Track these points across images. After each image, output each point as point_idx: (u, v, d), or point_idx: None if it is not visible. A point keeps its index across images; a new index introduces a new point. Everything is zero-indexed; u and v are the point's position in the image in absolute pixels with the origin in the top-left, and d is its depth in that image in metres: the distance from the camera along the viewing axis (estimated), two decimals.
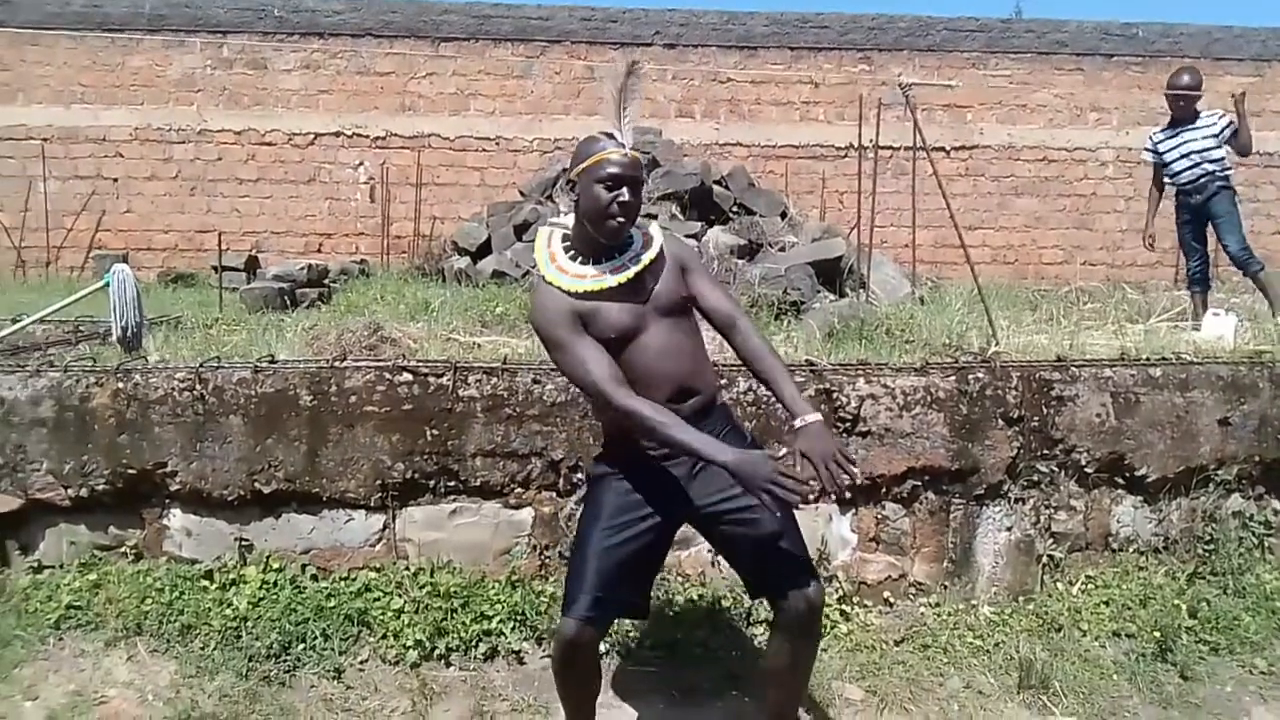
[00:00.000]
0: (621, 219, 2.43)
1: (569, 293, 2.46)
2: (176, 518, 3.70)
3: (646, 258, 2.52)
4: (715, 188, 9.17)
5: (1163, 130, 6.05)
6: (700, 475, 2.51)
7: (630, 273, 2.49)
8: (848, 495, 2.14)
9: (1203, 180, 5.79)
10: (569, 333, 2.44)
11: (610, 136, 2.47)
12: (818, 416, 2.43)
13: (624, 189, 2.42)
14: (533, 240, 8.60)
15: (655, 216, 7.60)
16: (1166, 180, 6.07)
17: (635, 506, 2.51)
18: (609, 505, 2.52)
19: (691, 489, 2.53)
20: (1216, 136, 5.79)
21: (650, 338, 2.48)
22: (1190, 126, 5.85)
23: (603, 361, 2.41)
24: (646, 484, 2.53)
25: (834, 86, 13.93)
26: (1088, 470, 4.00)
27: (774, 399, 3.74)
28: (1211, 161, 5.79)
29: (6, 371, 3.73)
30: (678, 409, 2.43)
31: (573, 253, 2.53)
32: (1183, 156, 5.87)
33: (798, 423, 2.41)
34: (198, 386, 3.63)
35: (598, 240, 2.49)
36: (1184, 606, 3.76)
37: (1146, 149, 6.14)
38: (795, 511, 2.55)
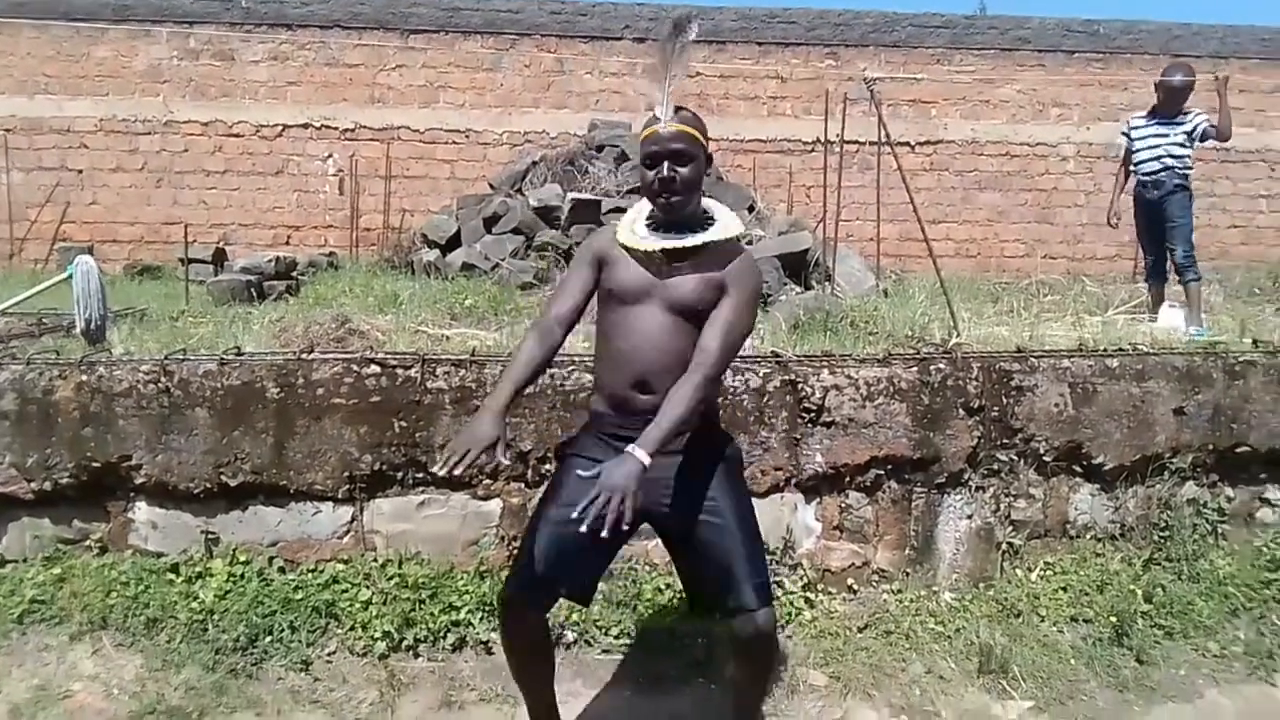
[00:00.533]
0: (665, 194, 2.44)
1: (620, 241, 2.54)
2: (142, 511, 3.68)
3: (690, 241, 2.48)
4: None
5: (1142, 116, 6.05)
6: (661, 473, 2.39)
7: (667, 244, 2.47)
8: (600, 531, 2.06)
9: (1161, 175, 5.83)
10: (582, 264, 2.60)
11: (655, 116, 2.48)
12: (641, 454, 2.21)
13: (664, 163, 2.42)
14: (503, 233, 8.58)
15: (624, 210, 7.61)
16: (1131, 168, 6.10)
17: (585, 492, 2.43)
18: (566, 485, 2.49)
19: (651, 487, 2.36)
20: (1189, 135, 5.80)
21: (640, 319, 2.46)
22: (1168, 120, 5.85)
23: (570, 295, 2.57)
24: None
25: (801, 81, 13.99)
26: (1046, 459, 4.08)
27: (741, 391, 3.81)
28: (1174, 158, 5.81)
29: None
30: (638, 400, 2.44)
31: (650, 222, 2.56)
32: (1149, 148, 5.89)
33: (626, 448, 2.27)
34: (163, 379, 3.62)
35: (665, 219, 2.50)
36: (1140, 592, 3.85)
37: (1123, 132, 6.14)
38: (754, 515, 2.55)
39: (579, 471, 2.32)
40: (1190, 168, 5.92)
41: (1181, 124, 5.82)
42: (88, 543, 3.68)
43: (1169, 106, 5.87)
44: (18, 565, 3.63)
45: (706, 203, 2.61)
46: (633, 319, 2.47)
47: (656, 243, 2.49)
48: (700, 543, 2.47)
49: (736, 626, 2.45)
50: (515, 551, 3.69)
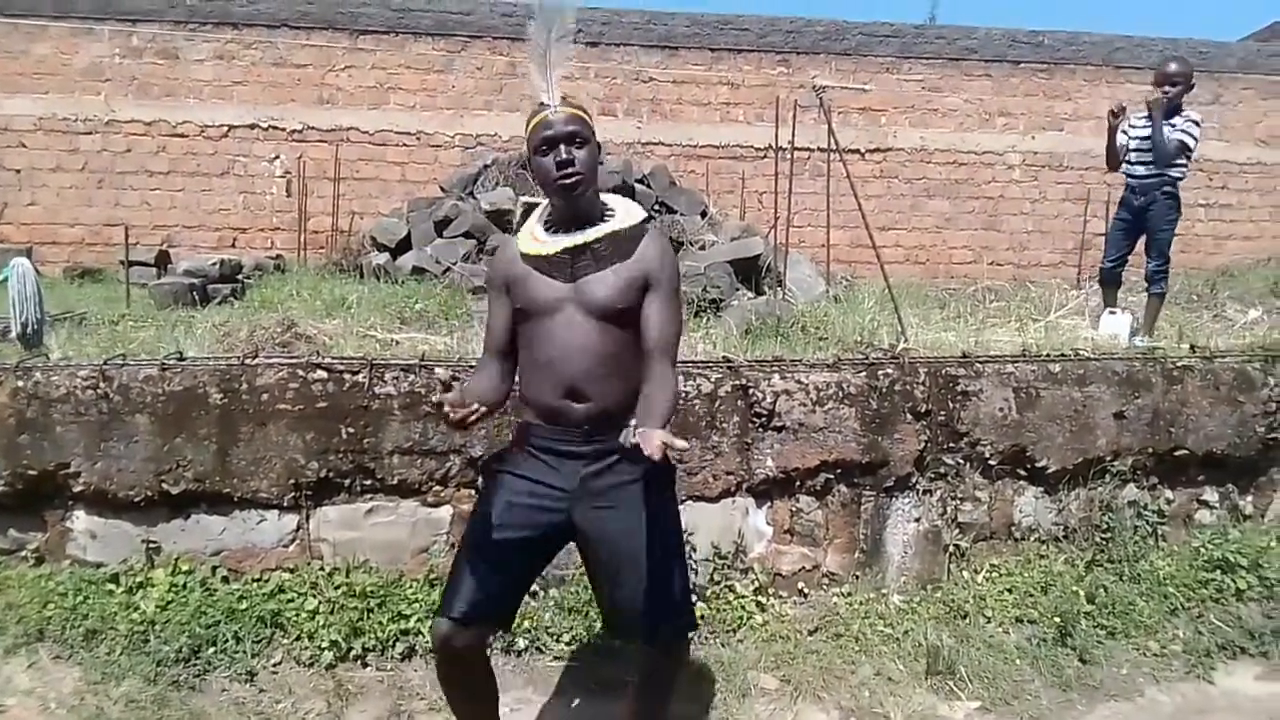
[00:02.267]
0: (567, 178, 2.33)
1: (522, 252, 2.44)
2: (80, 520, 3.59)
3: (593, 234, 2.38)
4: (637, 186, 9.22)
5: (1142, 116, 5.72)
6: (588, 489, 2.38)
7: (566, 243, 2.37)
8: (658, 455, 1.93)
9: (1150, 181, 5.60)
10: (495, 293, 2.52)
11: (541, 103, 2.39)
12: (663, 434, 2.02)
13: (560, 146, 2.33)
14: (454, 237, 8.50)
15: None
16: (1124, 170, 5.80)
17: (519, 508, 2.40)
18: (496, 504, 2.42)
19: (575, 503, 2.38)
20: (1185, 136, 5.51)
21: (559, 326, 2.35)
22: (1166, 122, 5.54)
23: (496, 329, 2.50)
24: (534, 486, 2.41)
25: (753, 88, 14.10)
26: (991, 462, 4.15)
27: (693, 396, 3.82)
28: (1165, 164, 5.56)
29: None
30: (570, 409, 2.36)
31: (549, 223, 2.46)
32: (1142, 149, 5.63)
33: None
34: (102, 385, 3.53)
35: (566, 210, 2.40)
36: (1083, 593, 3.93)
37: (1123, 130, 5.76)
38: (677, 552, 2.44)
39: (621, 439, 2.08)
40: (1181, 176, 5.66)
41: (1177, 125, 5.52)
42: (24, 553, 3.58)
43: (1167, 101, 5.54)
44: None
45: (604, 196, 2.52)
46: (552, 329, 2.36)
47: (558, 242, 2.39)
48: (617, 567, 2.36)
49: (639, 655, 2.42)
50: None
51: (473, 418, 2.15)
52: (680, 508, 3.73)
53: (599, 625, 3.58)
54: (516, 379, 2.52)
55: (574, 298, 2.36)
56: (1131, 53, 14.84)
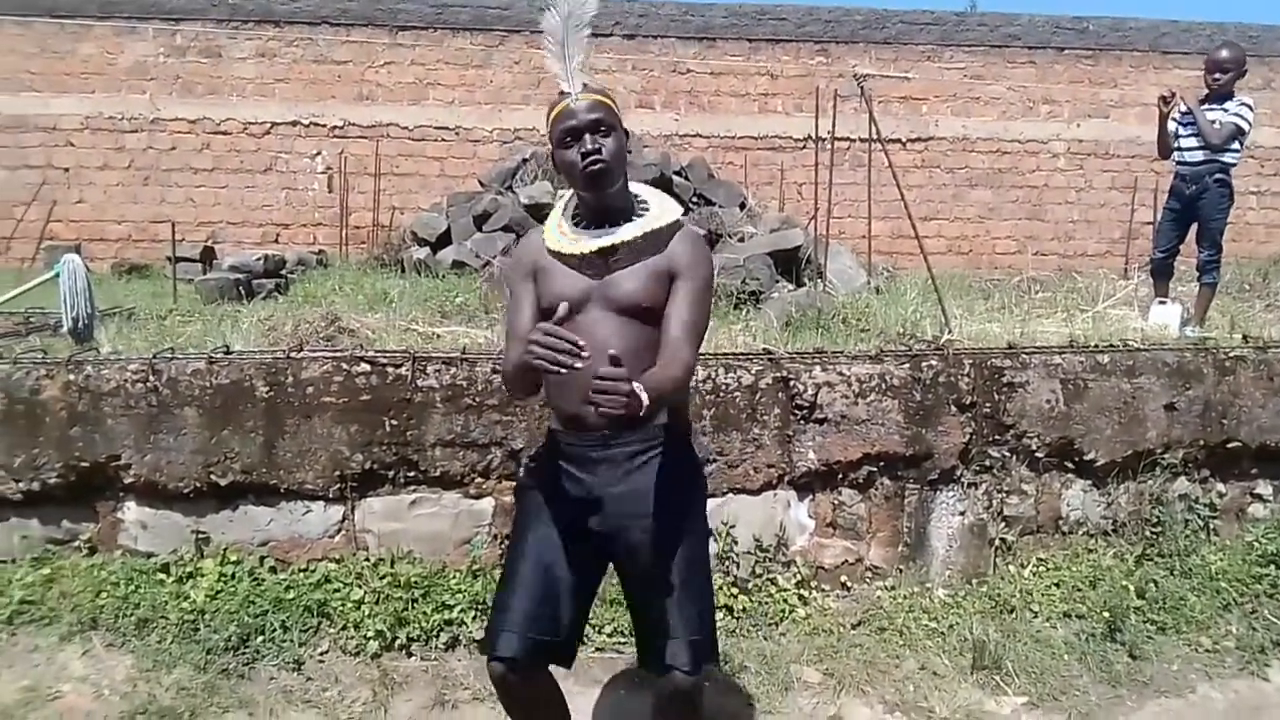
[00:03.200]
0: (592, 167, 2.20)
1: (548, 248, 2.31)
2: (131, 511, 3.65)
3: (624, 235, 2.24)
4: (675, 179, 9.18)
5: (1201, 103, 5.57)
6: (614, 502, 2.25)
7: (597, 244, 2.24)
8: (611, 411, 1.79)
9: (1201, 169, 5.46)
10: (518, 283, 2.38)
11: (563, 94, 2.26)
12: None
13: (584, 136, 2.20)
14: (493, 231, 8.54)
15: None
16: (1174, 157, 5.66)
17: (549, 524, 2.28)
18: (528, 524, 2.33)
19: (604, 520, 2.26)
20: (1239, 120, 5.37)
21: (583, 325, 2.16)
22: (1219, 107, 5.43)
23: (522, 317, 2.32)
24: (562, 499, 2.29)
25: (792, 78, 14.00)
26: (1038, 455, 4.09)
27: (734, 388, 3.81)
28: (1216, 151, 5.42)
29: None
30: (586, 414, 2.16)
31: (577, 217, 2.34)
32: (1194, 135, 5.47)
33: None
34: (151, 378, 3.59)
35: (595, 204, 2.28)
36: (1132, 587, 3.86)
37: (1173, 118, 5.61)
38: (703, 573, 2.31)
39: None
40: (1233, 164, 5.49)
41: (1229, 111, 5.38)
42: (76, 543, 3.65)
43: (1220, 87, 5.45)
44: (6, 566, 3.59)
45: (636, 187, 2.39)
46: (578, 326, 2.13)
47: (588, 242, 2.25)
48: (644, 584, 2.25)
49: (660, 681, 2.23)
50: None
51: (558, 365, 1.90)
52: (721, 500, 3.77)
53: None
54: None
55: (599, 294, 2.24)
56: (1178, 38, 14.53)
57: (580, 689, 3.31)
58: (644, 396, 1.83)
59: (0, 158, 13.14)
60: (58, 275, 4.27)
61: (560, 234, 2.31)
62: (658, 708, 2.32)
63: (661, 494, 2.26)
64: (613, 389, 1.80)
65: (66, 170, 13.43)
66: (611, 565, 2.39)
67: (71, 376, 3.59)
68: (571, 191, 2.39)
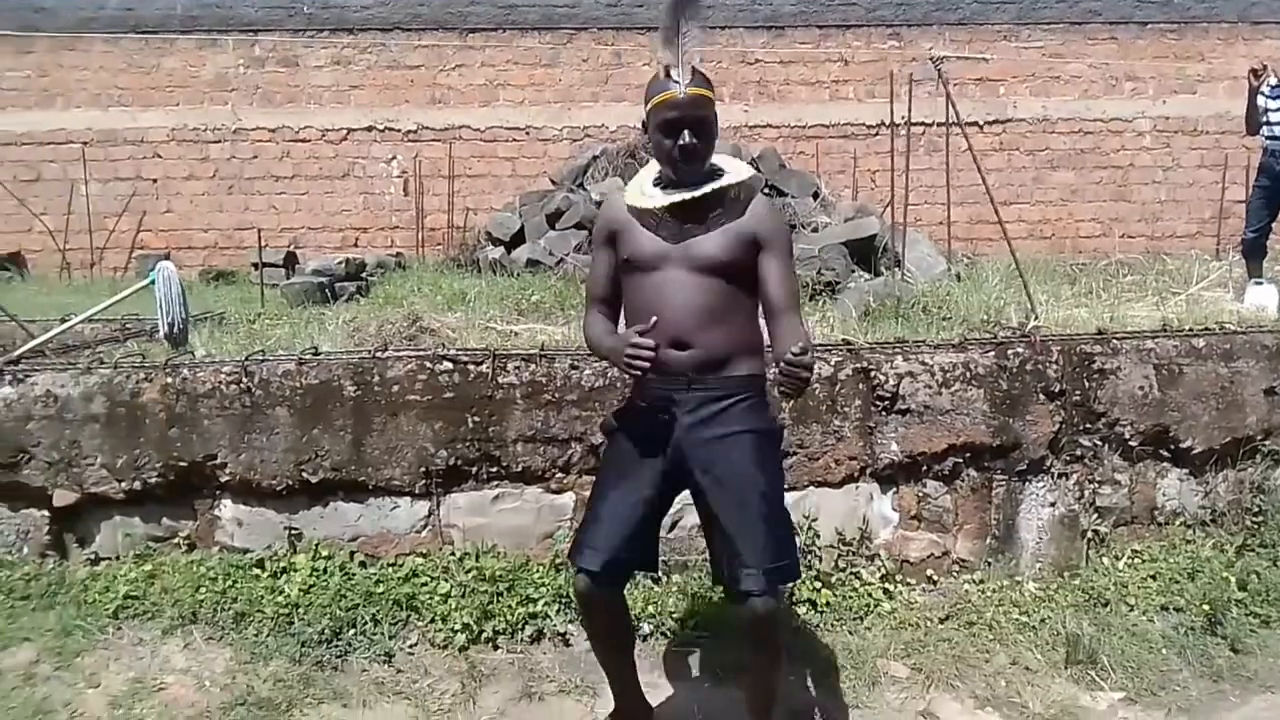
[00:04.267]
0: (684, 162, 2.39)
1: (629, 205, 2.51)
2: (227, 508, 3.77)
3: (700, 191, 2.40)
4: None
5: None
6: (695, 436, 2.43)
7: (675, 198, 2.40)
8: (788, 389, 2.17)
9: None
10: (599, 245, 2.62)
11: (669, 75, 2.38)
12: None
13: (684, 131, 2.36)
14: (566, 228, 8.62)
15: None
16: (1263, 133, 5.53)
17: (635, 459, 2.49)
18: (614, 458, 2.57)
19: (686, 451, 2.44)
20: None
21: (665, 281, 2.41)
22: None
23: (600, 280, 2.61)
24: (646, 436, 2.48)
25: (863, 64, 13.79)
26: (1131, 443, 3.96)
27: (812, 380, 3.76)
28: None
29: (59, 369, 3.82)
30: (675, 358, 2.39)
31: (658, 181, 2.51)
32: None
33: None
34: (244, 379, 3.70)
35: (678, 177, 2.45)
36: (1233, 579, 3.72)
37: (1261, 91, 5.52)
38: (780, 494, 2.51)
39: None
40: None
41: None
42: (176, 540, 3.78)
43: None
44: (111, 563, 3.74)
45: (713, 159, 2.53)
46: (658, 282, 2.41)
47: (669, 196, 2.42)
48: (723, 512, 2.41)
49: (738, 608, 2.41)
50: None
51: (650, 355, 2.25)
52: (801, 493, 3.74)
53: (722, 610, 3.58)
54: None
55: (679, 254, 2.42)
56: (1270, 7, 13.92)
57: (664, 681, 3.32)
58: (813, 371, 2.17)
59: (92, 171, 13.66)
60: (152, 282, 4.41)
61: (642, 193, 2.50)
62: (744, 637, 2.48)
63: (753, 436, 2.45)
64: (803, 374, 2.12)
65: (155, 181, 13.90)
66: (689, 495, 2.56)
67: (169, 380, 3.72)
68: (654, 161, 2.57)
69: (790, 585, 2.61)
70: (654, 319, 2.30)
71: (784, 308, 2.42)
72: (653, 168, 2.57)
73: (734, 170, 2.50)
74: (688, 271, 2.40)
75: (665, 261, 2.42)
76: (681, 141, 2.35)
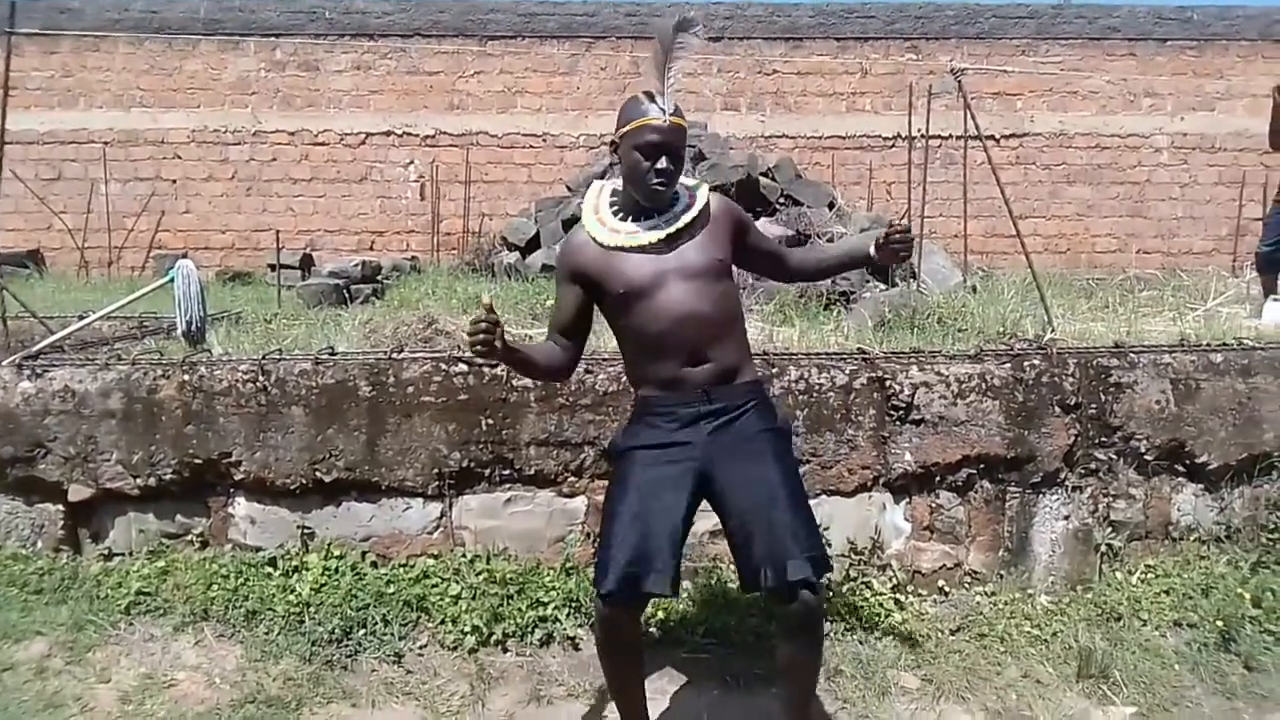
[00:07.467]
0: (660, 186, 2.44)
1: (600, 243, 2.51)
2: (241, 506, 3.79)
3: (686, 218, 2.49)
4: (762, 179, 9.14)
5: None
6: (716, 443, 2.46)
7: (663, 232, 2.47)
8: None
9: None
10: (564, 281, 2.61)
11: (652, 100, 2.45)
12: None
13: (663, 157, 2.42)
14: None
15: None
16: None
17: (656, 480, 2.46)
18: (630, 480, 2.50)
19: (707, 459, 2.45)
20: None
21: (668, 297, 2.43)
22: None
23: (565, 314, 2.61)
24: (666, 456, 2.48)
25: (881, 76, 13.81)
26: (1147, 458, 3.94)
27: (827, 388, 3.76)
28: None
29: (77, 365, 3.85)
30: (691, 374, 2.46)
31: (617, 209, 2.55)
32: None
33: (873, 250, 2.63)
34: (260, 378, 3.72)
35: (639, 204, 2.51)
36: (1248, 596, 3.68)
37: None
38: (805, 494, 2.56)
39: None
40: None
41: None
42: (189, 537, 3.80)
43: None
44: (124, 558, 3.76)
45: None
46: (661, 301, 2.43)
47: (656, 233, 2.48)
48: (758, 510, 2.40)
49: (785, 602, 2.39)
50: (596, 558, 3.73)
51: (493, 334, 2.33)
52: (814, 502, 3.72)
53: (733, 618, 3.57)
54: (627, 363, 2.67)
55: (674, 267, 2.46)
56: None
57: (673, 689, 3.31)
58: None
59: (113, 171, 13.79)
60: (171, 280, 4.45)
61: (612, 231, 2.52)
62: (789, 633, 2.47)
63: (763, 433, 2.51)
64: (909, 235, 2.58)
65: (174, 182, 14.02)
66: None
67: (186, 377, 3.74)
68: (602, 185, 2.66)
69: (828, 578, 2.61)
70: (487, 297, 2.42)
71: (782, 249, 2.83)
72: (602, 197, 2.61)
73: (689, 182, 2.61)
74: (688, 281, 2.45)
75: (662, 279, 2.45)
76: (659, 165, 2.41)
